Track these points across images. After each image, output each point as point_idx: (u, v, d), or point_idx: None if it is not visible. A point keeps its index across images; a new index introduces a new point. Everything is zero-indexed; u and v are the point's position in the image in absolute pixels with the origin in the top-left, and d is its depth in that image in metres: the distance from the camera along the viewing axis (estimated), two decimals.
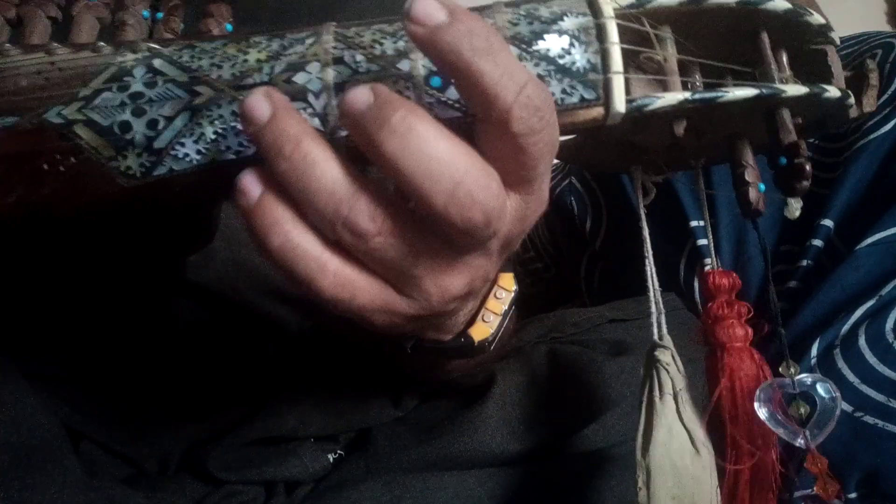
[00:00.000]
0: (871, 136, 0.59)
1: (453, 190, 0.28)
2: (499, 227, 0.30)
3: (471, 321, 0.41)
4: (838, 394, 0.35)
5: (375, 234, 0.30)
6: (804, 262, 0.60)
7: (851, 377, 0.54)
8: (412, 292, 0.32)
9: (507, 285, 0.43)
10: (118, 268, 0.51)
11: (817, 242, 0.60)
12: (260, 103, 0.29)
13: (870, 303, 0.56)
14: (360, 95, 0.28)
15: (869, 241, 0.57)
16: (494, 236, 0.31)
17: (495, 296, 0.42)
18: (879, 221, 0.57)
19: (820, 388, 0.35)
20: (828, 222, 0.60)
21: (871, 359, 0.54)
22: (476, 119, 0.30)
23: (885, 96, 0.59)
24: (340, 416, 0.54)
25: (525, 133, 0.29)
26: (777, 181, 0.33)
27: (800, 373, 0.35)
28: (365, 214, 0.29)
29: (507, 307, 0.42)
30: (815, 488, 0.35)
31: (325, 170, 0.29)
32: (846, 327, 0.56)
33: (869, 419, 0.53)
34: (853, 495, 0.54)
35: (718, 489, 0.36)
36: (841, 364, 0.55)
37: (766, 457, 0.35)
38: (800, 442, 0.35)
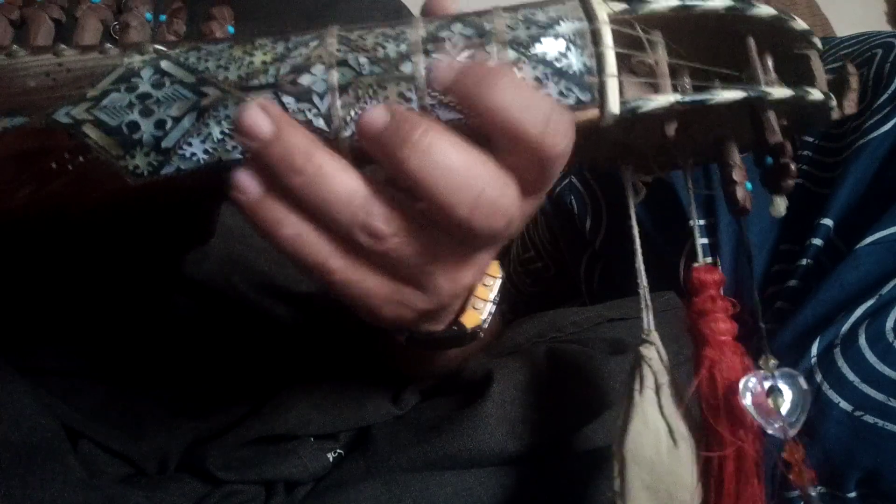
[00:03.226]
0: (871, 136, 0.60)
1: (476, 200, 0.30)
2: (515, 227, 0.32)
3: (461, 310, 0.43)
4: (809, 388, 0.38)
5: (392, 235, 0.31)
6: (804, 262, 0.62)
7: (851, 376, 0.55)
8: (424, 286, 0.34)
9: (494, 272, 0.45)
10: (119, 264, 0.52)
11: (817, 241, 0.61)
12: (259, 118, 0.30)
13: (870, 302, 0.57)
14: (377, 116, 0.30)
15: (869, 240, 0.58)
16: (508, 231, 0.33)
17: (483, 283, 0.44)
18: (879, 221, 0.58)
19: (793, 382, 0.38)
20: (828, 221, 0.61)
21: (871, 358, 0.55)
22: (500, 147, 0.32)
23: (885, 96, 0.61)
24: (340, 415, 0.56)
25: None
26: (763, 180, 0.36)
27: (783, 368, 0.37)
28: (381, 217, 0.31)
29: (494, 293, 0.44)
30: (790, 475, 0.37)
31: (341, 180, 0.31)
32: (846, 326, 0.57)
33: (869, 419, 0.54)
34: (853, 495, 0.56)
35: (699, 481, 0.39)
36: (841, 363, 0.56)
37: (748, 447, 0.37)
38: (777, 431, 0.37)
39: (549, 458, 0.54)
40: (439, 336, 0.42)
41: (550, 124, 0.30)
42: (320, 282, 0.33)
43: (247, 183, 0.31)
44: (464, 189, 0.30)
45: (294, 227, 0.32)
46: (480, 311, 0.43)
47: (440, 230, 0.32)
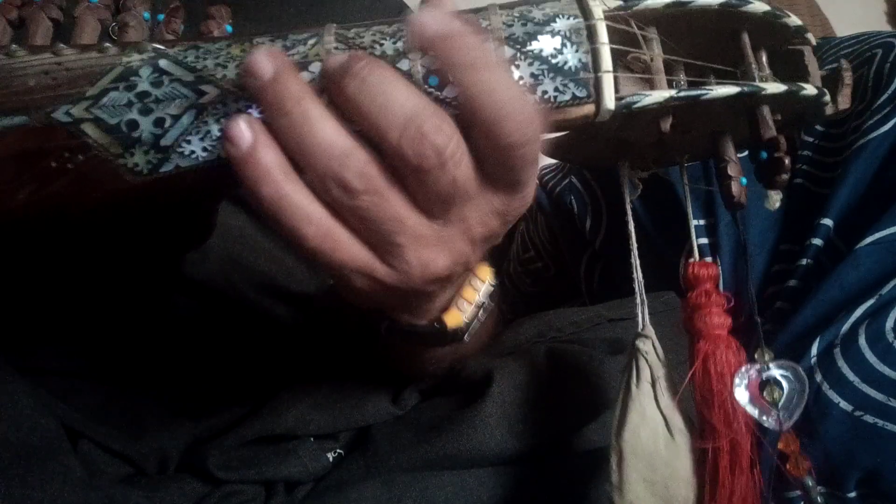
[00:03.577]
0: (871, 136, 0.61)
1: (405, 124, 0.32)
2: (455, 171, 0.33)
3: (446, 308, 0.44)
4: (806, 380, 0.38)
5: (362, 192, 0.33)
6: (804, 261, 0.62)
7: (851, 376, 0.55)
8: (394, 261, 0.35)
9: (484, 276, 0.45)
10: (119, 264, 0.53)
11: (817, 241, 0.62)
12: (263, 61, 0.32)
13: (870, 302, 0.57)
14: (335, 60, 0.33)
15: (869, 240, 0.58)
16: (454, 183, 0.33)
17: (471, 285, 0.44)
18: (879, 221, 0.58)
19: (790, 374, 0.38)
20: (828, 221, 0.61)
21: (871, 358, 0.55)
22: (469, 126, 0.33)
23: (885, 96, 0.61)
24: (340, 414, 0.56)
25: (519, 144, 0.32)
26: (758, 174, 0.36)
27: (779, 360, 0.37)
28: (354, 172, 0.33)
29: (481, 297, 0.45)
30: (787, 466, 0.38)
31: (322, 127, 0.32)
32: (846, 326, 0.57)
33: (869, 418, 0.54)
34: (853, 495, 0.56)
35: (695, 475, 0.39)
36: (841, 363, 0.56)
37: (741, 440, 0.37)
38: (772, 423, 0.38)
39: (549, 458, 0.54)
40: (420, 330, 0.43)
41: (509, 110, 0.32)
42: (298, 243, 0.34)
43: (236, 133, 0.33)
44: (393, 113, 0.32)
45: (277, 178, 0.33)
46: (464, 313, 0.44)
47: (410, 199, 0.34)
